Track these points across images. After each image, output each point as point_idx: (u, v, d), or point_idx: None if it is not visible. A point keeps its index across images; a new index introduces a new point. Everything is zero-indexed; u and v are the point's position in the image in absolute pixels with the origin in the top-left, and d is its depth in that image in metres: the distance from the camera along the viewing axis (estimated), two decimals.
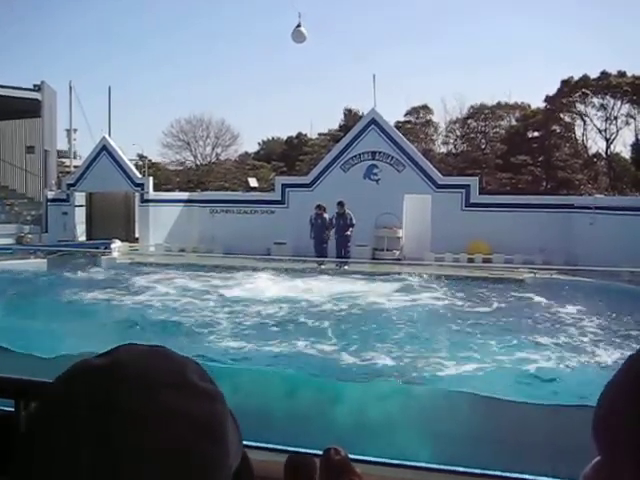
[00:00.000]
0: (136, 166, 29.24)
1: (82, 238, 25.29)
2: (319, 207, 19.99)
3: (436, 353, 10.35)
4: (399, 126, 37.33)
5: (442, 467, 6.51)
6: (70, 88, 28.15)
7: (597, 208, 19.67)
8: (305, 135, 50.43)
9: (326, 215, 19.98)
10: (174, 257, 21.66)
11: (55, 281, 16.82)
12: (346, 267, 18.93)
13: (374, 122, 22.75)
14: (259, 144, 55.35)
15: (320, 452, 4.75)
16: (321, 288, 15.80)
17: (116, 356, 0.77)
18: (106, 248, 21.73)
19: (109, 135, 26.59)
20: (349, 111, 49.94)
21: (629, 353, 0.86)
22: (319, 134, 50.25)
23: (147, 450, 0.70)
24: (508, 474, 6.40)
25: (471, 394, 8.24)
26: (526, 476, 6.31)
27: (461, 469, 6.49)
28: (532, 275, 17.52)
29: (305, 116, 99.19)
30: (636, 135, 39.90)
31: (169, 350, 0.82)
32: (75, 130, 36.67)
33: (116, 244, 22.34)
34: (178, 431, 0.72)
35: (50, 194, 26.29)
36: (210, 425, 0.76)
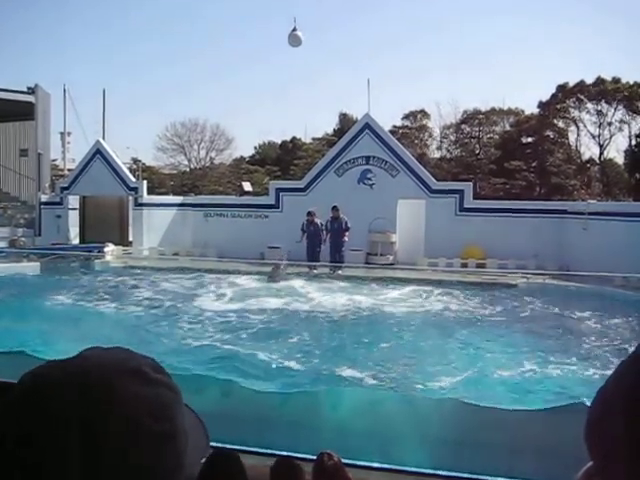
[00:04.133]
0: (130, 170, 29.16)
1: (75, 241, 25.20)
2: (310, 214, 19.96)
3: (427, 359, 10.36)
4: (393, 131, 37.44)
5: (435, 472, 6.52)
6: (64, 91, 28.13)
7: (590, 214, 19.71)
8: (300, 139, 50.55)
9: (317, 220, 19.97)
10: (168, 261, 21.63)
11: (48, 284, 16.75)
12: (340, 272, 18.92)
13: (368, 127, 22.77)
14: (254, 148, 55.42)
15: (313, 457, 4.76)
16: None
17: (81, 355, 0.89)
18: (99, 252, 21.68)
19: (103, 139, 26.55)
20: (344, 115, 50.12)
21: (622, 359, 0.85)
22: (313, 139, 50.39)
23: (110, 430, 0.80)
24: (500, 479, 6.41)
25: (462, 401, 8.24)
26: None
27: (453, 474, 6.50)
28: (525, 280, 17.54)
29: (300, 120, 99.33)
30: (630, 141, 40.10)
31: (129, 350, 0.94)
32: (69, 133, 36.65)
33: (109, 247, 22.28)
34: (131, 411, 0.83)
35: (44, 197, 26.20)
36: (156, 406, 0.87)
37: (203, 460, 3.36)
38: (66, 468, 0.78)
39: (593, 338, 11.68)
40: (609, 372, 0.88)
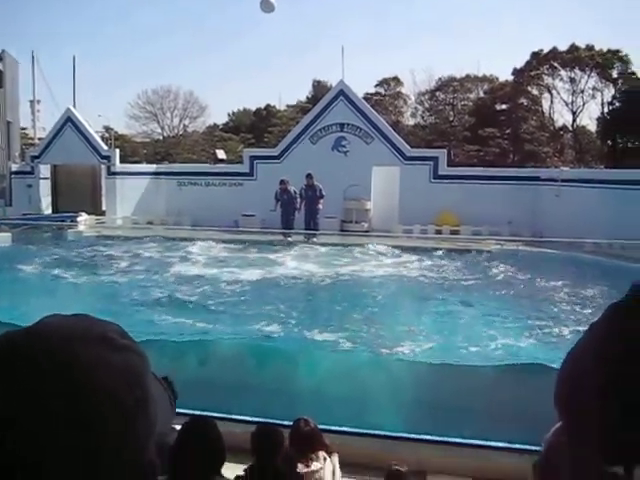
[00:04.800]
0: (102, 138, 28.80)
1: (48, 211, 24.93)
2: (283, 182, 19.91)
3: (401, 324, 10.46)
4: (367, 98, 37.23)
5: (408, 436, 6.62)
6: (33, 58, 27.58)
7: (563, 181, 19.88)
8: (274, 107, 50.19)
9: (291, 188, 19.93)
10: (141, 230, 21.48)
11: (19, 255, 16.57)
12: (314, 239, 18.94)
13: (342, 94, 22.65)
14: (227, 116, 54.89)
15: (290, 423, 4.81)
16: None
17: (42, 322, 0.87)
18: (72, 221, 21.46)
19: (74, 106, 26.13)
20: (317, 83, 49.78)
21: (591, 322, 0.86)
22: (288, 106, 50.06)
23: (79, 399, 0.78)
24: (472, 441, 6.53)
25: (435, 364, 8.35)
26: (490, 443, 6.44)
27: (426, 437, 6.61)
28: (499, 247, 17.69)
29: (274, 88, 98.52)
30: (602, 108, 40.32)
31: (91, 316, 0.91)
32: (39, 101, 36.00)
33: (83, 217, 22.07)
34: (99, 378, 0.81)
35: (14, 166, 25.84)
36: (126, 372, 0.85)
37: (177, 427, 3.38)
38: (34, 437, 0.76)
39: (564, 303, 11.85)
40: (579, 336, 0.89)
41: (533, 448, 5.18)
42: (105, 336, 0.86)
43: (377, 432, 6.68)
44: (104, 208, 25.50)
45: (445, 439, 6.51)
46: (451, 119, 45.55)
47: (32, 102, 34.85)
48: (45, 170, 25.56)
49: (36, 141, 30.89)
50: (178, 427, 3.36)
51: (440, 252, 17.34)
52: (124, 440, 0.82)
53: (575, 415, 0.86)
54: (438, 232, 20.25)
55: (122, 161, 25.65)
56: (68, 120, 24.75)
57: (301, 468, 4.44)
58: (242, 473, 3.88)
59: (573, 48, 40.17)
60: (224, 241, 18.49)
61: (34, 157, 25.38)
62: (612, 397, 0.75)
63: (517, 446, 6.13)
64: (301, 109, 43.87)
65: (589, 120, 43.61)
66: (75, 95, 27.68)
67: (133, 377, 0.86)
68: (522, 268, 14.98)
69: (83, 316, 0.90)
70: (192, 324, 10.12)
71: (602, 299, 11.51)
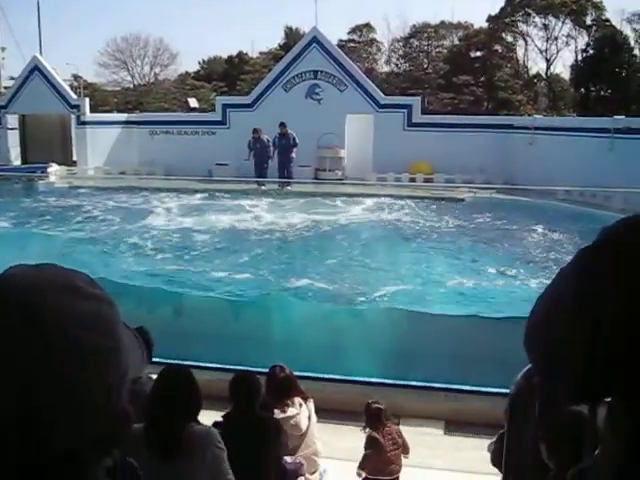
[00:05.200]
0: (71, 87, 28.19)
1: (17, 162, 24.52)
2: (255, 131, 19.73)
3: (375, 271, 10.55)
4: (342, 45, 36.82)
5: (382, 381, 6.74)
6: None
7: (536, 128, 19.94)
8: (246, 54, 49.36)
9: (264, 137, 19.77)
10: (114, 180, 21.25)
11: None
12: (288, 187, 18.89)
13: (316, 40, 22.33)
14: (199, 63, 53.87)
15: (266, 370, 4.86)
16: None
17: (7, 272, 0.85)
18: (43, 172, 21.16)
19: (40, 54, 25.48)
20: (290, 29, 48.96)
21: (561, 267, 0.88)
22: (260, 53, 49.28)
23: (51, 348, 0.78)
24: (445, 385, 6.66)
25: (408, 310, 8.45)
26: (464, 387, 6.57)
27: (399, 382, 6.72)
28: (472, 194, 17.79)
29: (246, 34, 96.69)
30: (576, 56, 40.23)
31: (59, 265, 0.90)
32: (3, 49, 35.05)
33: (53, 168, 21.75)
34: (69, 327, 0.80)
35: None
36: (97, 321, 0.84)
37: (154, 377, 3.40)
38: (5, 387, 0.76)
39: (536, 249, 12.01)
40: (549, 281, 0.90)
41: (504, 391, 5.30)
42: (73, 284, 0.85)
43: (351, 378, 6.80)
44: (75, 159, 25.13)
45: (418, 384, 6.64)
46: (425, 66, 45.23)
47: None
48: (13, 120, 25.05)
49: (2, 90, 30.16)
50: (154, 376, 3.39)
51: (413, 200, 17.41)
52: (96, 386, 0.82)
53: (544, 357, 0.88)
54: (412, 180, 20.28)
55: (92, 110, 25.17)
56: (35, 68, 24.17)
57: (277, 414, 4.51)
58: (220, 419, 3.93)
59: None
60: (197, 191, 18.39)
61: (1, 107, 24.84)
62: (580, 339, 0.77)
63: (488, 389, 6.27)
64: (274, 56, 43.21)
65: (563, 68, 43.59)
66: (41, 43, 26.99)
67: (104, 325, 0.85)
68: (494, 216, 15.13)
69: (49, 265, 0.89)
70: (167, 273, 10.13)
71: (571, 245, 11.68)
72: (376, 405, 4.68)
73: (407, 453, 4.73)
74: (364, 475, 4.65)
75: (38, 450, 0.78)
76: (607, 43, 36.14)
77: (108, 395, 0.84)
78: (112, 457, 0.94)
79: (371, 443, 4.58)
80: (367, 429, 4.66)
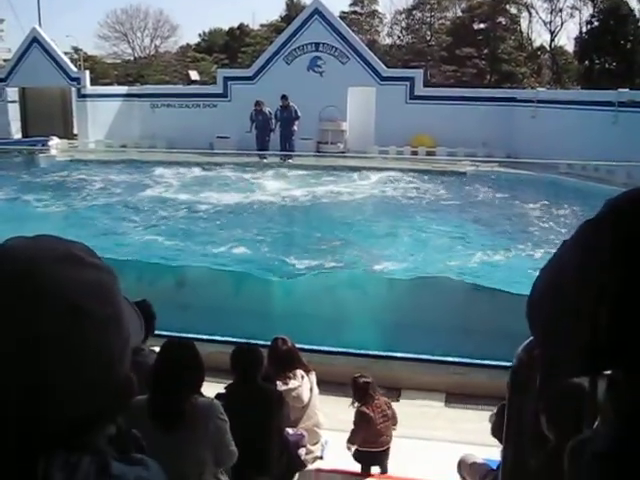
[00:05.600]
0: (71, 59, 28.02)
1: (17, 136, 24.40)
2: (258, 103, 19.60)
3: (378, 244, 10.55)
4: (343, 17, 36.45)
5: (384, 354, 6.76)
6: None
7: (539, 102, 19.80)
8: (247, 26, 48.99)
9: (266, 109, 19.66)
10: (116, 153, 21.19)
11: None
12: (290, 161, 18.85)
13: (318, 12, 22.13)
14: (200, 35, 53.50)
15: (268, 343, 4.89)
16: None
17: (6, 244, 0.85)
18: (44, 145, 21.09)
19: (39, 26, 25.26)
20: (291, 1, 48.51)
21: (563, 239, 0.88)
22: (261, 25, 48.88)
23: (52, 318, 0.79)
24: (446, 358, 6.68)
25: (415, 278, 8.47)
26: (465, 360, 6.60)
27: (401, 354, 6.75)
28: (474, 168, 17.73)
29: (247, 6, 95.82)
30: (580, 28, 39.86)
31: (55, 236, 0.90)
32: (2, 21, 34.79)
33: (54, 141, 21.69)
34: (69, 295, 0.81)
35: None
36: (98, 289, 0.85)
37: (157, 349, 3.42)
38: (10, 357, 0.77)
39: (538, 223, 12.00)
40: (551, 254, 0.90)
41: (505, 364, 5.33)
42: (72, 254, 0.86)
43: (353, 350, 6.83)
44: (76, 132, 25.03)
45: (419, 356, 6.67)
46: (428, 39, 44.84)
47: None
48: (13, 93, 24.88)
49: (1, 63, 29.96)
50: (157, 349, 3.41)
51: (415, 173, 17.36)
52: (99, 353, 0.82)
53: (545, 329, 0.88)
54: (414, 153, 20.19)
55: (93, 83, 25.00)
56: (34, 40, 23.97)
57: (280, 386, 4.54)
58: (223, 391, 3.96)
59: None
60: (199, 163, 18.35)
61: (0, 80, 24.67)
62: (582, 311, 0.78)
63: (490, 362, 6.30)
64: (275, 28, 42.86)
65: (567, 40, 43.30)
66: (40, 15, 26.77)
67: (104, 294, 0.86)
68: (496, 189, 15.10)
69: (47, 236, 0.89)
70: (170, 248, 10.15)
71: (574, 219, 11.66)
72: (364, 379, 4.69)
73: (395, 424, 4.75)
74: (354, 448, 4.69)
75: (44, 417, 0.78)
76: (612, 15, 35.77)
77: (110, 362, 0.84)
78: (116, 425, 0.94)
79: (361, 417, 4.61)
80: (356, 403, 4.67)
